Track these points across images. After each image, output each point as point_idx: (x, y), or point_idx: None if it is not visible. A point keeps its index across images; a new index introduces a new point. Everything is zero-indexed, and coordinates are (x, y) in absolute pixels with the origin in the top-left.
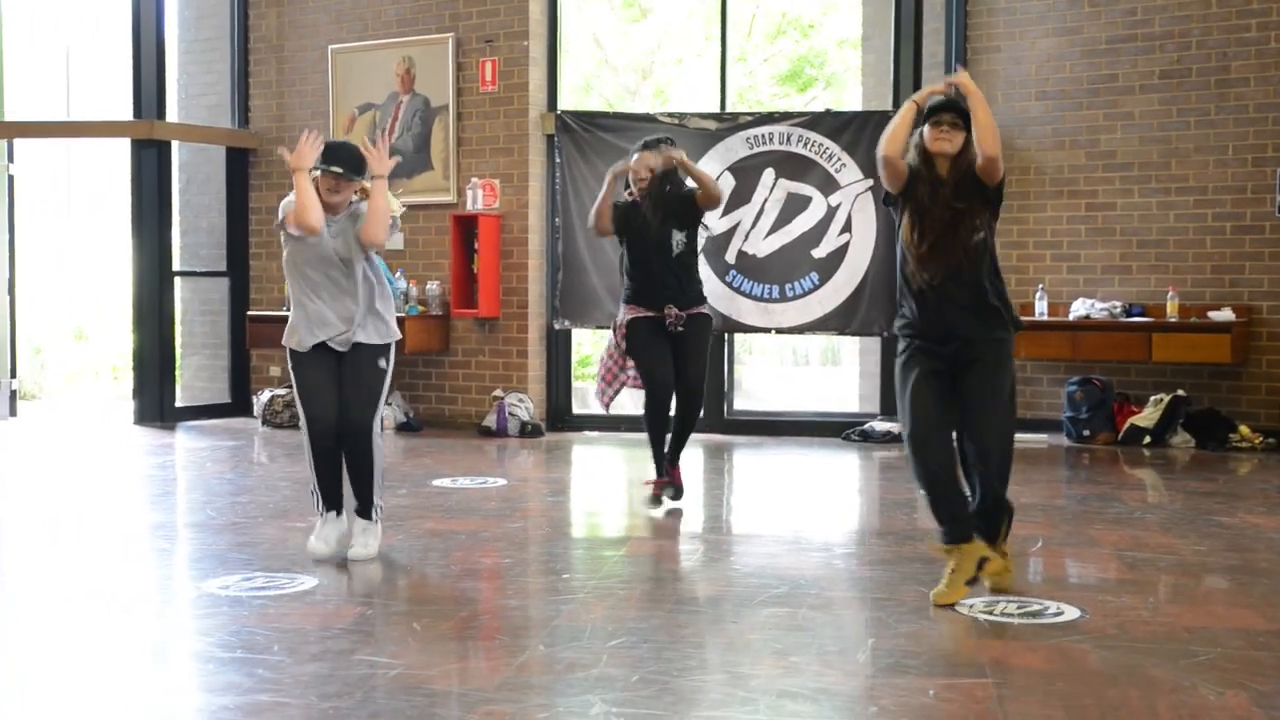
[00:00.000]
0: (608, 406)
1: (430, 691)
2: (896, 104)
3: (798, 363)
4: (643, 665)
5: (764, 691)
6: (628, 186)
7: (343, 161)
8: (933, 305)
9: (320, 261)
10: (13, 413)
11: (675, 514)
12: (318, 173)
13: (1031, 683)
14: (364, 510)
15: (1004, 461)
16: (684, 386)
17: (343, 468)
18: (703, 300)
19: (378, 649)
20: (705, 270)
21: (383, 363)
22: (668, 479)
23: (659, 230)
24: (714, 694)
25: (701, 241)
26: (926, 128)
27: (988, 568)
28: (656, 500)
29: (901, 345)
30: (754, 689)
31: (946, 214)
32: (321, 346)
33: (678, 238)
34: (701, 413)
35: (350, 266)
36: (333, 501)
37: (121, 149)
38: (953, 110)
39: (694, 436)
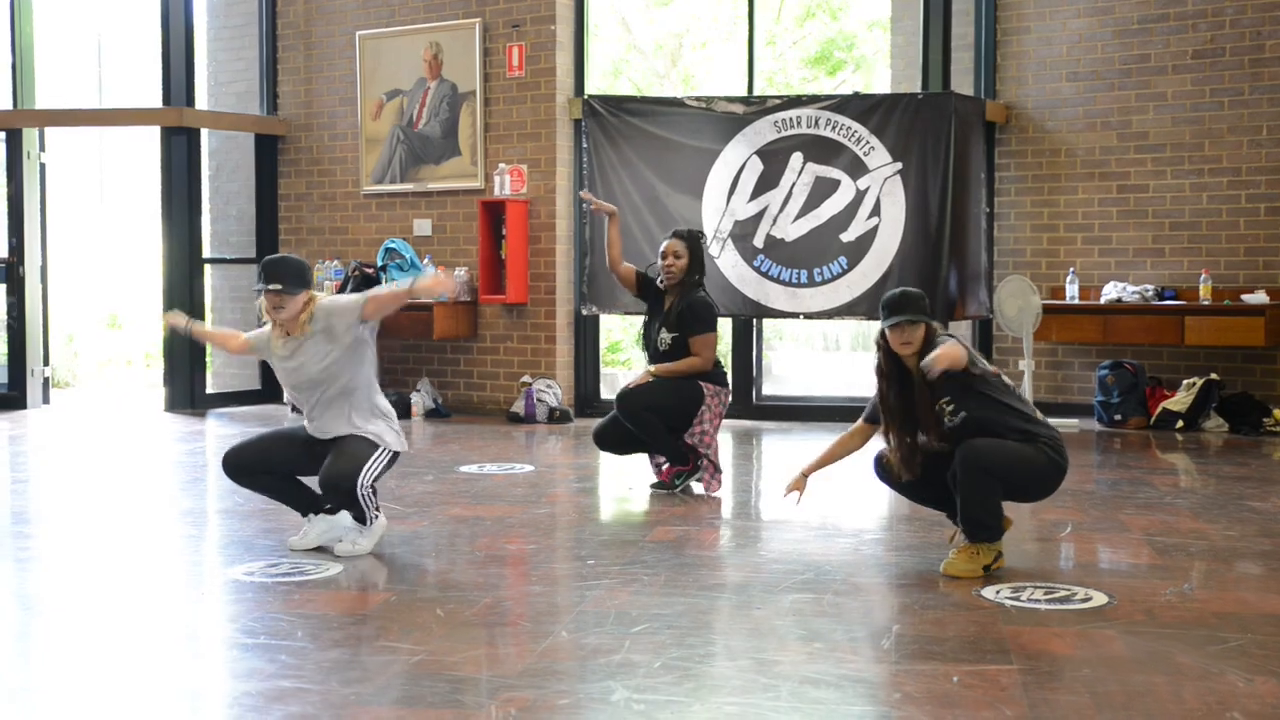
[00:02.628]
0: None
1: (453, 677)
2: (926, 85)
3: (828, 348)
4: (665, 651)
5: (787, 678)
6: (657, 274)
7: (280, 277)
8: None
9: (295, 383)
10: (45, 400)
11: (704, 501)
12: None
13: (1057, 668)
14: (359, 519)
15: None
16: None
17: (291, 483)
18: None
19: (401, 635)
20: (733, 255)
21: (374, 438)
22: (675, 465)
23: (654, 320)
24: (736, 680)
25: (729, 228)
26: (886, 329)
27: (998, 563)
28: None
29: None
30: (777, 675)
31: (929, 409)
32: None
33: (664, 339)
34: (641, 417)
35: (326, 386)
36: (304, 508)
37: (152, 136)
38: (907, 310)
39: (724, 423)
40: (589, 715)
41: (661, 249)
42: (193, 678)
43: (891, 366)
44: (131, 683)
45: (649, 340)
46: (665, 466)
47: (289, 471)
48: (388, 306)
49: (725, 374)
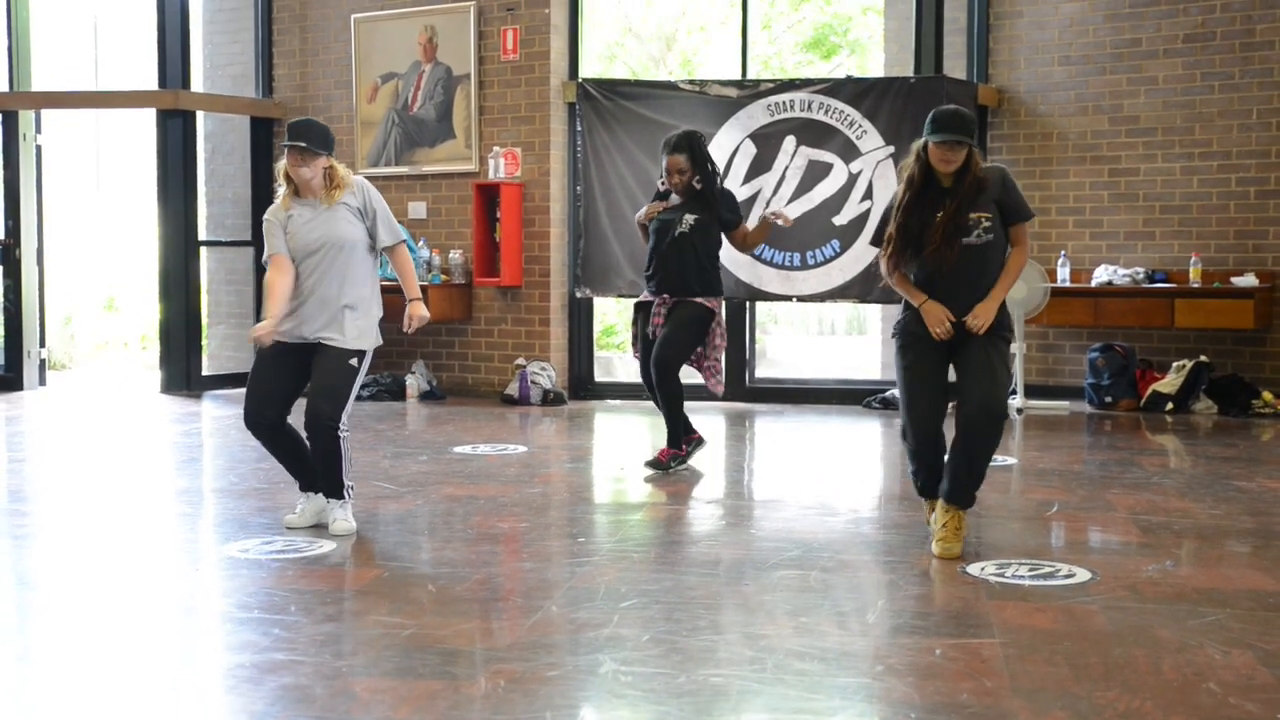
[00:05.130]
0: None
1: (443, 650)
2: (918, 69)
3: (823, 331)
4: (653, 625)
5: (772, 651)
6: (663, 183)
7: (305, 136)
8: (940, 296)
9: (308, 243)
10: (41, 382)
11: (694, 480)
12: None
13: (1038, 642)
14: (334, 493)
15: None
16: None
17: (301, 449)
18: (697, 293)
19: (393, 610)
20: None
21: (354, 362)
22: (671, 449)
23: (675, 211)
24: (722, 653)
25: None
26: (931, 143)
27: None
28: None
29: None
30: (762, 649)
31: (951, 224)
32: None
33: (688, 219)
34: (671, 388)
35: (338, 252)
36: (307, 483)
37: (148, 119)
38: (959, 130)
39: (716, 404)
40: (577, 686)
41: (664, 165)
42: (188, 650)
43: (923, 179)
44: (127, 654)
45: (667, 228)
46: (661, 449)
47: (290, 401)
48: (397, 267)
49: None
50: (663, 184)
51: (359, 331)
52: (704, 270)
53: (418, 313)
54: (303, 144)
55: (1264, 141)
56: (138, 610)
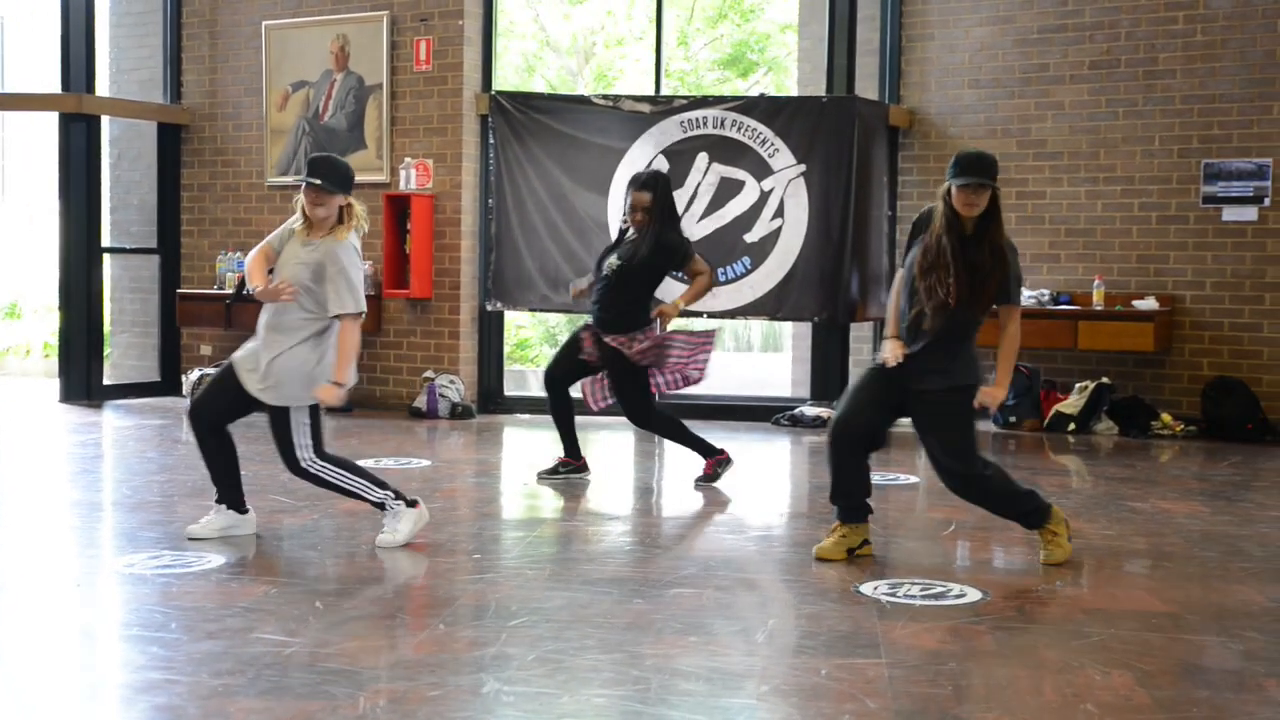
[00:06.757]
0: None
1: (324, 670)
2: (831, 89)
3: (739, 348)
4: (540, 644)
5: (658, 671)
6: (625, 222)
7: (324, 174)
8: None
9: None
10: None
11: (598, 497)
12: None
13: (924, 662)
14: (379, 505)
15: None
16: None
17: (219, 458)
18: (624, 331)
19: (277, 627)
20: None
21: (291, 395)
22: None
23: (612, 251)
24: (607, 673)
25: None
26: (954, 187)
27: (861, 550)
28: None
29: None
30: (648, 668)
31: (965, 271)
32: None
33: (610, 260)
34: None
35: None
36: (223, 494)
37: (52, 123)
38: (982, 173)
39: (622, 420)
40: (457, 707)
41: (629, 202)
42: (61, 669)
43: (949, 222)
44: None
45: (601, 266)
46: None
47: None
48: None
49: None
50: (624, 222)
51: (276, 383)
52: (627, 310)
53: (321, 395)
54: (318, 182)
55: (1165, 168)
56: (13, 628)
